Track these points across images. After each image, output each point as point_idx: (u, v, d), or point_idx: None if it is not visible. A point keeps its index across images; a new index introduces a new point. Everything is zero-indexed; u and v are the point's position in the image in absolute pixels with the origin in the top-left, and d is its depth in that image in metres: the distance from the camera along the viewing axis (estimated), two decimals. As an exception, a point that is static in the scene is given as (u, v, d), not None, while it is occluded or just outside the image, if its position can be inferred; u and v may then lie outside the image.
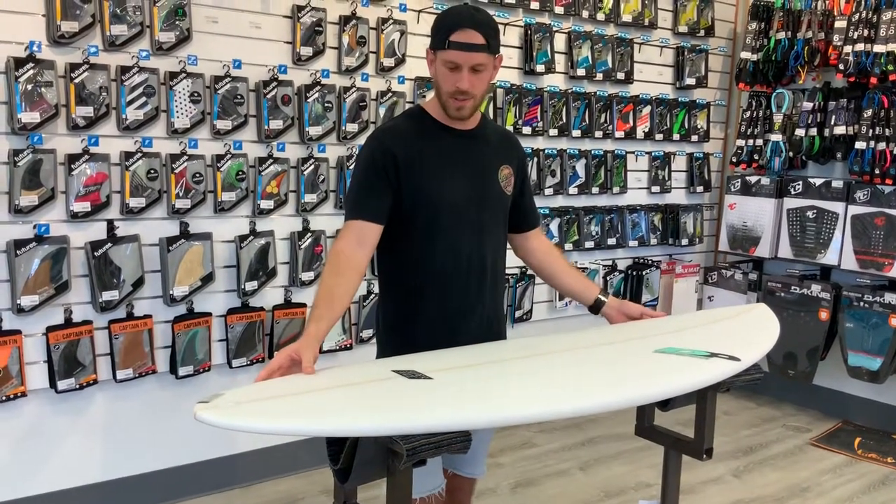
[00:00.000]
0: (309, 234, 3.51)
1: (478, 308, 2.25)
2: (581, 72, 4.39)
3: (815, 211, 4.52)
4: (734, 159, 4.97)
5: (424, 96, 3.75)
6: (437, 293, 2.19)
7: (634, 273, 4.76)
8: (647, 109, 4.74)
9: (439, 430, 1.61)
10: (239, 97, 3.27)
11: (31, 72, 2.78)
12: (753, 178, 4.80)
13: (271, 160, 3.38)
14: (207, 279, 3.24)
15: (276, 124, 3.37)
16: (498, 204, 2.29)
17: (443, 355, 2.08)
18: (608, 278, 4.67)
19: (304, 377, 1.84)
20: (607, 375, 1.99)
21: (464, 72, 2.08)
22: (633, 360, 2.10)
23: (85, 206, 2.95)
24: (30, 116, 2.79)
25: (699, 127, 5.02)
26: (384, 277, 2.28)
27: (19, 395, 2.87)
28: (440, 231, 2.16)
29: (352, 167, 3.58)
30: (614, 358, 2.14)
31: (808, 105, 4.55)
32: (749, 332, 2.45)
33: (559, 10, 4.27)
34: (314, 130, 3.48)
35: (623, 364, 2.07)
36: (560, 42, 4.34)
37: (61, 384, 2.94)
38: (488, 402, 1.76)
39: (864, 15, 4.22)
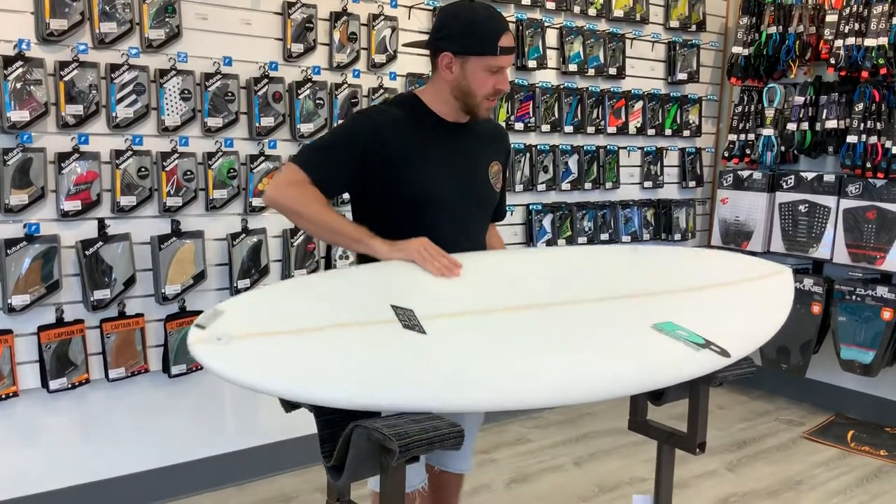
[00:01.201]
0: (301, 231, 3.50)
1: None
2: (573, 67, 4.39)
3: (807, 205, 4.53)
4: (726, 154, 4.97)
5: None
6: None
7: (627, 268, 4.75)
8: (639, 105, 4.74)
9: (413, 410, 1.62)
10: (230, 94, 3.26)
11: (20, 70, 2.77)
12: (745, 173, 4.81)
13: (263, 157, 3.37)
14: (199, 277, 3.23)
15: (267, 121, 3.36)
16: (488, 201, 2.29)
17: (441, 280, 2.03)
18: (601, 274, 4.67)
19: (315, 299, 1.86)
20: (599, 358, 1.93)
21: (505, 73, 2.13)
22: (628, 334, 2.03)
23: (75, 205, 2.93)
24: (19, 115, 2.78)
25: (691, 122, 5.03)
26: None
27: (11, 394, 2.86)
28: (431, 226, 2.13)
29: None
30: (610, 328, 2.05)
31: (799, 99, 4.56)
32: (759, 308, 2.35)
33: (551, 5, 4.27)
34: (306, 127, 3.47)
35: (617, 340, 2.01)
36: (552, 38, 4.34)
37: (53, 384, 2.93)
38: (476, 385, 1.73)
39: (854, 9, 4.23)
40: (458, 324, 1.91)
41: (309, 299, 1.90)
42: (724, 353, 2.00)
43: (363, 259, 2.16)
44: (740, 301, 2.37)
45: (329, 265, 3.60)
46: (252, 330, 1.69)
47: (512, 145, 4.10)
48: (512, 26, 4.14)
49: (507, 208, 2.51)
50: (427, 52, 2.19)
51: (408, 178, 2.10)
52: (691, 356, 1.95)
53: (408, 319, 1.82)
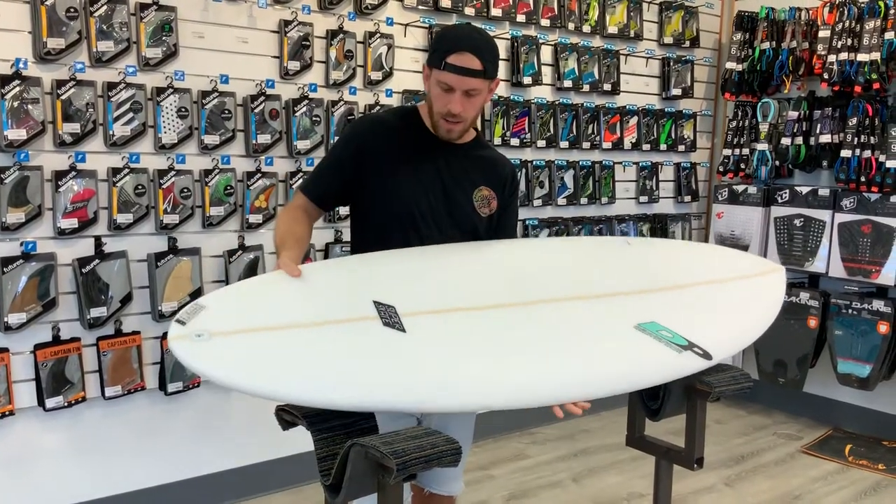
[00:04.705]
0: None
1: None
2: (568, 83, 4.41)
3: (802, 219, 4.55)
4: (721, 169, 4.99)
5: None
6: None
7: (624, 283, 4.76)
8: (633, 120, 4.76)
9: (390, 409, 1.64)
10: (226, 112, 3.27)
11: (17, 89, 2.78)
12: (740, 188, 4.83)
13: (259, 174, 3.38)
14: (196, 294, 3.23)
15: (263, 139, 3.37)
16: (466, 223, 2.24)
17: (428, 269, 2.07)
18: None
19: (293, 288, 1.88)
20: (580, 359, 1.91)
21: (456, 95, 2.06)
22: (610, 335, 2.00)
23: (72, 223, 2.94)
24: (16, 133, 2.78)
25: (686, 137, 5.05)
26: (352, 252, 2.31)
27: (7, 413, 2.85)
28: (396, 235, 2.16)
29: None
30: (593, 328, 2.03)
31: (793, 114, 4.59)
32: (747, 308, 2.30)
33: (545, 22, 4.30)
34: (302, 144, 3.48)
35: (598, 341, 1.98)
36: (546, 54, 4.36)
37: (49, 402, 2.92)
38: (445, 388, 1.73)
39: (847, 24, 4.27)
40: (438, 322, 1.90)
41: (292, 292, 1.90)
42: (707, 355, 1.95)
43: (355, 250, 2.24)
44: (729, 300, 2.31)
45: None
46: (232, 327, 1.70)
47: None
48: (507, 43, 4.16)
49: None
50: None
51: (383, 185, 2.14)
52: (673, 358, 1.92)
53: (388, 317, 1.82)
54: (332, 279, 2.06)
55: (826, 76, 4.34)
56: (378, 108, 3.70)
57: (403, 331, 1.80)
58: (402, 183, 2.15)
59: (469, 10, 3.98)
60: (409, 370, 1.73)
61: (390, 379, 1.69)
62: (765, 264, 2.56)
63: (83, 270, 2.95)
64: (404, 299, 1.87)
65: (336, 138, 2.28)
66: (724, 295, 2.33)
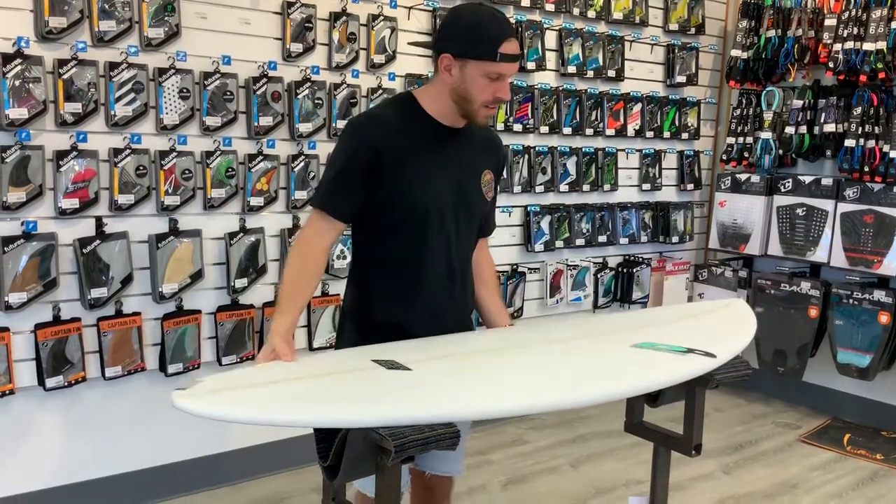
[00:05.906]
0: (299, 230, 3.50)
1: (446, 314, 2.21)
2: (572, 69, 4.39)
3: (804, 208, 4.54)
4: (724, 157, 4.98)
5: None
6: (406, 294, 2.14)
7: (625, 270, 4.77)
8: (637, 107, 4.74)
9: (423, 422, 1.62)
10: (228, 93, 3.25)
11: (18, 68, 2.76)
12: (743, 176, 4.81)
13: (261, 157, 3.37)
14: (197, 276, 3.23)
15: (265, 121, 3.36)
16: (478, 211, 2.22)
17: (419, 346, 2.09)
18: (599, 276, 4.67)
19: (284, 365, 1.90)
20: (586, 369, 1.99)
21: (506, 81, 2.07)
22: (610, 354, 2.10)
23: (73, 203, 2.93)
24: (17, 112, 2.77)
25: (689, 124, 5.03)
26: (356, 260, 2.23)
27: (7, 392, 2.86)
28: (416, 233, 2.10)
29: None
30: (592, 352, 2.13)
31: (797, 103, 4.57)
32: (725, 327, 2.46)
33: (550, 7, 4.27)
34: (304, 127, 3.47)
35: (601, 358, 2.07)
36: (551, 39, 4.34)
37: (49, 382, 2.93)
38: (469, 395, 1.79)
39: (853, 13, 4.24)
40: (443, 363, 1.97)
41: (289, 368, 1.94)
42: (710, 354, 2.02)
43: (359, 330, 2.20)
44: (706, 323, 2.53)
45: (327, 268, 3.60)
46: (230, 385, 1.77)
47: (510, 147, 4.13)
48: (511, 28, 4.13)
49: (495, 223, 2.44)
50: (430, 52, 2.18)
51: (398, 183, 2.05)
52: (680, 360, 1.99)
53: (391, 365, 1.85)
54: (330, 356, 2.15)
55: (831, 65, 4.32)
56: (381, 91, 3.68)
57: (409, 370, 1.84)
58: (422, 180, 2.08)
59: (473, -6, 3.95)
60: (424, 388, 1.80)
61: (406, 396, 1.74)
62: (724, 302, 2.85)
63: (84, 251, 2.95)
64: (408, 360, 1.92)
65: (337, 141, 2.18)
66: (701, 322, 2.57)
